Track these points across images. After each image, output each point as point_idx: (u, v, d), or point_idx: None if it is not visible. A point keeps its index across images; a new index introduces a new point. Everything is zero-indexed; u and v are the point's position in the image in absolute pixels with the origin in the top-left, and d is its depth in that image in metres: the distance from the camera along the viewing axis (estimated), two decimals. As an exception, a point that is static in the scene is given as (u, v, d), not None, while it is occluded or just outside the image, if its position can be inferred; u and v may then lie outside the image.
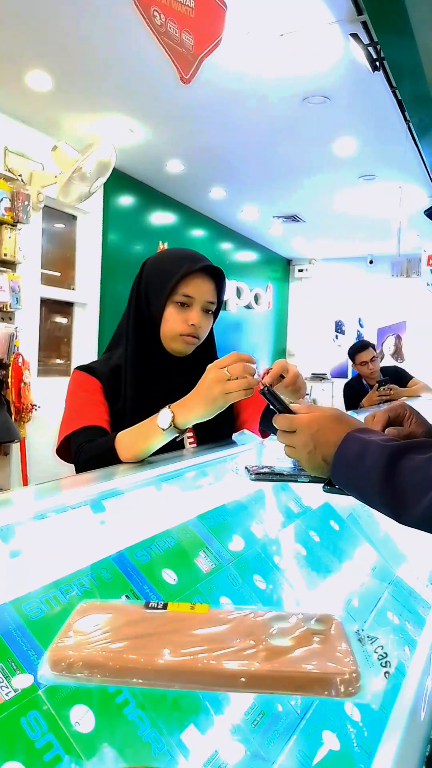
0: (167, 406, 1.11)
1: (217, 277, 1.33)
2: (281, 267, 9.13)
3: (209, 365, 1.10)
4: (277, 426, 0.86)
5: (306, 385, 1.10)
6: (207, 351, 1.41)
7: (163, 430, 1.10)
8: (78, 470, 1.22)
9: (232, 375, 1.06)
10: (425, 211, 4.78)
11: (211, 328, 1.40)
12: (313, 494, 1.25)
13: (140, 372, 1.32)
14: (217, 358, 1.44)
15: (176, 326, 1.30)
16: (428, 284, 7.16)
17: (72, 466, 1.26)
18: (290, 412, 0.87)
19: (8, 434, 4.02)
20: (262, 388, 0.92)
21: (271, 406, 0.90)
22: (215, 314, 1.37)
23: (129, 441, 1.16)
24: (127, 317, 1.36)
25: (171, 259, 1.34)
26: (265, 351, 8.63)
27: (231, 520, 1.04)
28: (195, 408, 1.09)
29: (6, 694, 0.58)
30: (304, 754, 0.71)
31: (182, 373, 1.35)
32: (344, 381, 4.82)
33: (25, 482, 4.26)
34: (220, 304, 1.37)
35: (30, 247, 4.34)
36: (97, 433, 1.25)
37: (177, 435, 1.13)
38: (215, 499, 1.09)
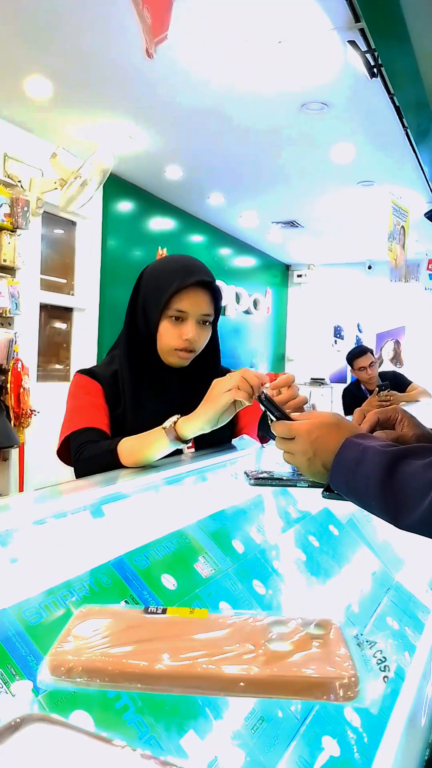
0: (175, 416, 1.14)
1: (211, 287, 1.31)
2: (280, 272, 9.15)
3: (216, 380, 1.12)
4: (276, 433, 0.85)
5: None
6: (211, 360, 1.40)
7: (164, 429, 1.11)
8: (77, 470, 1.23)
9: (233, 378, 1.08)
10: (425, 214, 4.79)
11: (215, 336, 1.39)
12: (313, 499, 1.25)
13: (137, 381, 1.32)
14: (221, 367, 1.45)
15: (171, 341, 1.29)
16: (426, 288, 7.17)
17: (72, 471, 1.26)
18: (288, 419, 0.86)
19: (7, 440, 4.02)
20: (259, 395, 0.92)
21: (269, 414, 0.89)
22: (214, 323, 1.36)
23: (132, 446, 1.17)
24: (124, 326, 1.36)
25: (165, 272, 1.31)
26: (264, 356, 8.63)
27: (230, 525, 1.04)
28: (198, 411, 1.11)
29: (5, 700, 0.58)
30: (304, 759, 0.71)
31: (183, 382, 1.35)
32: (343, 386, 4.82)
33: (21, 488, 4.25)
34: (218, 313, 1.35)
35: (29, 252, 4.35)
36: (97, 435, 1.25)
37: (180, 443, 1.14)
38: (214, 504, 1.09)
